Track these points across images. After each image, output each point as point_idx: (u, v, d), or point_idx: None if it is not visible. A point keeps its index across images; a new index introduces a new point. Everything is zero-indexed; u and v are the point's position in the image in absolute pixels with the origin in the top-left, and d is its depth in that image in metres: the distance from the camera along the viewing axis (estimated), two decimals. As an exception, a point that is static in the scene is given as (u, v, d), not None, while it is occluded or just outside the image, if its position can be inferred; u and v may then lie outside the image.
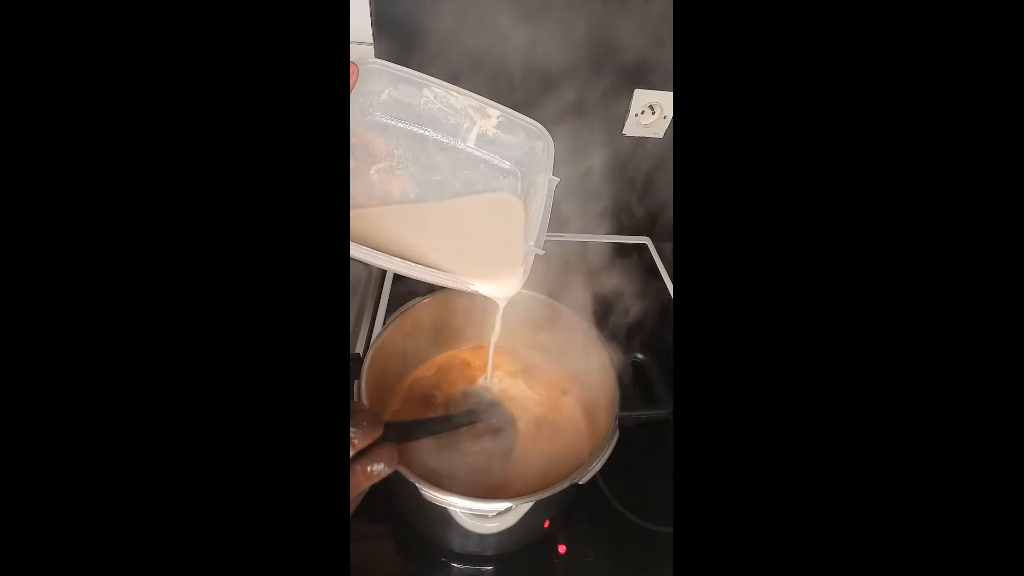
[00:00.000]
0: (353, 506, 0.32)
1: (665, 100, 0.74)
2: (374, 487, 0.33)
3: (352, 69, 0.44)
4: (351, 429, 0.32)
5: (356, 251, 0.37)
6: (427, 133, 0.50)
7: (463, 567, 0.49)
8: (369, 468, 0.32)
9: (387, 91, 0.48)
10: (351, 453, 0.32)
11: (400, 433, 0.37)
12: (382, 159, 0.48)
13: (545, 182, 0.45)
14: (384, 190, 0.47)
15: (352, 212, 0.42)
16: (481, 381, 0.57)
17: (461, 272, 0.42)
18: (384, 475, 0.33)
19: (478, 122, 0.50)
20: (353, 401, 0.37)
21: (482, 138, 0.50)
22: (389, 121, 0.49)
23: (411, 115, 0.49)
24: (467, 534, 0.46)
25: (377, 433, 0.33)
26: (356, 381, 0.45)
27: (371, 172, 0.47)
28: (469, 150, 0.51)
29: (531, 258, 0.43)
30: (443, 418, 0.46)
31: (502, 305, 0.47)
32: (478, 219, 0.47)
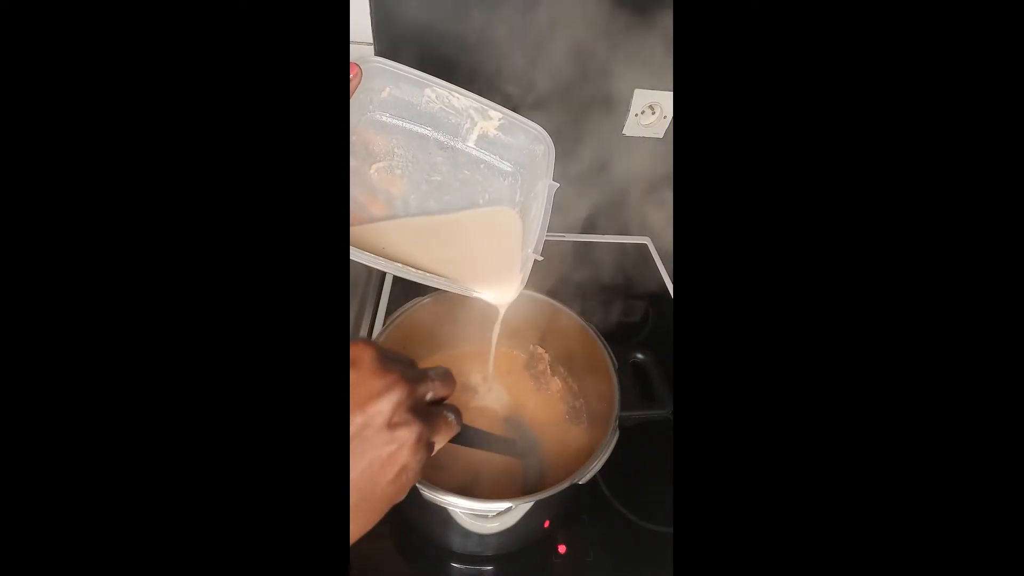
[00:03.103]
0: (426, 458, 0.29)
1: (665, 100, 0.74)
2: None
3: (354, 70, 0.44)
4: (431, 371, 0.30)
5: (361, 256, 0.37)
6: (427, 132, 0.50)
7: (463, 567, 0.49)
8: (449, 416, 0.31)
9: (388, 89, 0.48)
10: (429, 385, 0.30)
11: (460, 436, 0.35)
12: (382, 158, 0.48)
13: (545, 187, 0.46)
14: (384, 189, 0.47)
15: (356, 226, 0.43)
16: (478, 383, 0.57)
17: (462, 279, 0.42)
18: (455, 432, 0.31)
19: (479, 123, 0.50)
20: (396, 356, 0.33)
21: (483, 139, 0.50)
22: (389, 119, 0.49)
23: (412, 114, 0.49)
24: (467, 534, 0.46)
25: (452, 388, 0.31)
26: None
27: (371, 171, 0.47)
28: (469, 150, 0.51)
29: (529, 264, 0.44)
30: (485, 436, 0.43)
31: (502, 310, 0.47)
32: (477, 230, 0.48)
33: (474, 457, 0.48)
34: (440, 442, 0.31)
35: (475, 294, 0.43)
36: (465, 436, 0.38)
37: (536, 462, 0.50)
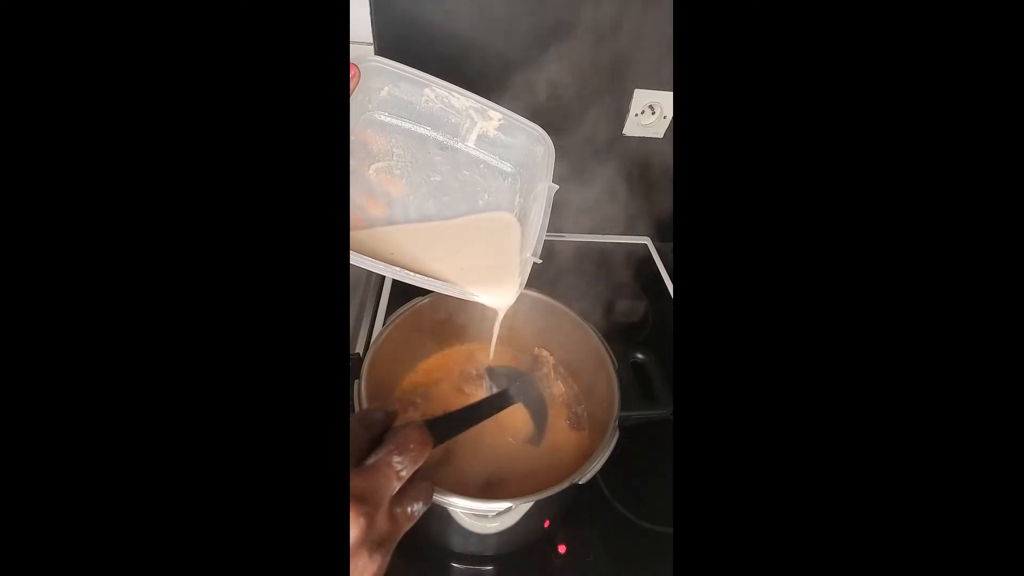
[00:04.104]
0: (389, 554, 0.29)
1: (665, 100, 0.74)
2: None
3: (353, 71, 0.44)
4: (395, 457, 0.28)
5: (361, 261, 0.37)
6: (427, 132, 0.50)
7: (463, 567, 0.49)
8: (410, 509, 0.29)
9: (387, 88, 0.47)
10: (396, 486, 0.28)
11: (438, 434, 0.33)
12: (381, 158, 0.48)
13: (545, 189, 0.45)
14: (382, 190, 0.47)
15: (355, 230, 0.43)
16: (479, 384, 0.57)
17: (461, 283, 0.42)
18: (421, 515, 0.30)
19: (479, 123, 0.49)
20: (382, 411, 0.32)
21: (482, 139, 0.50)
22: (388, 119, 0.49)
23: (411, 113, 0.49)
24: (467, 534, 0.46)
25: (427, 454, 0.29)
26: (356, 381, 0.45)
27: (369, 171, 0.47)
28: (469, 151, 0.51)
29: (528, 268, 0.44)
30: (475, 407, 0.42)
31: (501, 313, 0.47)
32: (476, 235, 0.48)
33: (486, 457, 0.48)
34: (409, 524, 0.30)
35: (474, 298, 0.43)
36: (453, 427, 0.37)
37: (537, 396, 0.50)
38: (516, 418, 0.50)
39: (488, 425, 0.43)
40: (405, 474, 0.29)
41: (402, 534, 0.29)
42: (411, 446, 0.29)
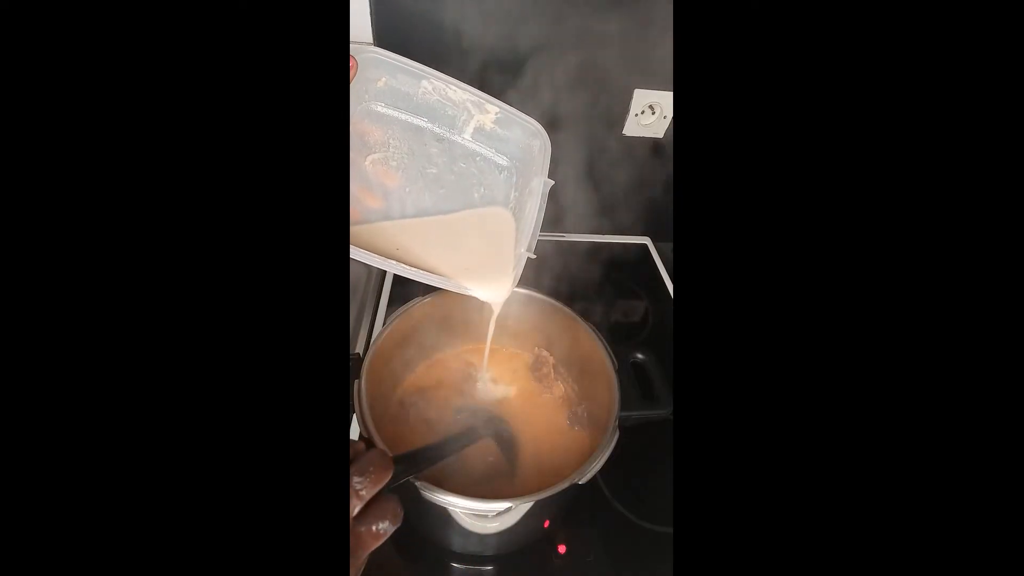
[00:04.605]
0: (358, 571, 0.29)
1: (665, 100, 0.74)
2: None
3: (351, 63, 0.44)
4: (355, 478, 0.29)
5: (359, 254, 0.37)
6: (424, 124, 0.50)
7: (463, 567, 0.49)
8: (375, 527, 0.30)
9: (384, 79, 0.47)
10: (356, 505, 0.29)
11: (404, 468, 0.35)
12: (377, 149, 0.48)
13: (540, 184, 0.45)
14: (379, 182, 0.47)
15: (353, 224, 0.43)
16: (479, 384, 0.57)
17: (456, 277, 0.42)
18: (389, 534, 0.31)
19: (476, 116, 0.49)
20: (352, 441, 0.34)
21: (479, 132, 0.50)
22: (385, 110, 0.49)
23: (408, 105, 0.49)
24: (467, 534, 0.46)
25: (387, 477, 0.30)
26: (356, 381, 0.45)
27: (366, 163, 0.47)
28: (466, 143, 0.51)
29: (522, 263, 0.44)
30: (443, 443, 0.44)
31: (496, 309, 0.47)
32: (471, 229, 0.48)
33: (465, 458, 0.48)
34: (376, 543, 0.30)
35: (469, 292, 0.43)
36: (419, 463, 0.38)
37: (504, 429, 0.51)
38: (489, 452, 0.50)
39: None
40: (365, 494, 0.30)
41: (369, 551, 0.30)
42: (371, 468, 0.30)
